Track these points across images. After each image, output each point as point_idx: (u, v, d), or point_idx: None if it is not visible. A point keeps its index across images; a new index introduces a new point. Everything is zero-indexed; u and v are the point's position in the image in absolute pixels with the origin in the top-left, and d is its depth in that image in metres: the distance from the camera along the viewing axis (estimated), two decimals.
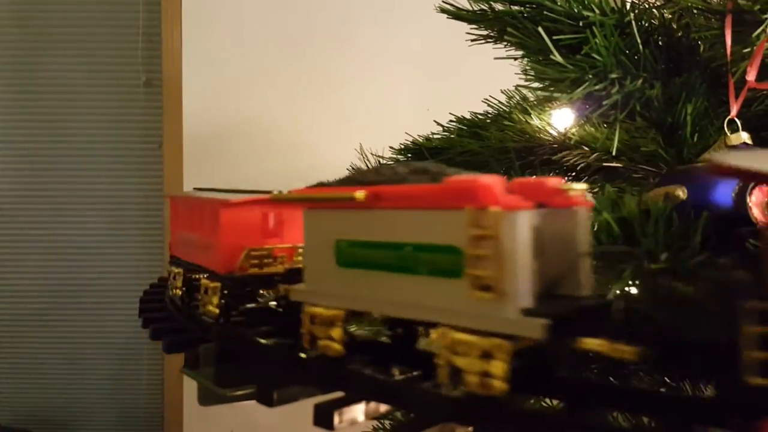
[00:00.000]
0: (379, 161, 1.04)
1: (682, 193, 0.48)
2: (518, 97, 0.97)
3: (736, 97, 0.53)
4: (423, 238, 0.38)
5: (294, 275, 0.52)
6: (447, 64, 1.87)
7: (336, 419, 0.40)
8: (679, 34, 0.58)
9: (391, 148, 1.01)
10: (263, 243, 0.56)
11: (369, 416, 0.42)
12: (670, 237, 0.38)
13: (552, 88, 0.55)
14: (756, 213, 0.46)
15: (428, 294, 0.38)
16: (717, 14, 0.55)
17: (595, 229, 0.40)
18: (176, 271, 0.65)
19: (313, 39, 1.96)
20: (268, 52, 1.96)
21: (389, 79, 1.95)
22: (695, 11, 0.57)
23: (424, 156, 0.95)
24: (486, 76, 1.06)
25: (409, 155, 0.98)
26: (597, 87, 0.54)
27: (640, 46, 0.56)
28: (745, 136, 0.53)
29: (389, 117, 1.81)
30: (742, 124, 0.58)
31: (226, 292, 0.54)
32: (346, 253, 0.43)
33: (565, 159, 0.80)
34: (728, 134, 0.53)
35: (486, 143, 0.91)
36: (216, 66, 1.94)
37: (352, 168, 0.99)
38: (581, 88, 0.54)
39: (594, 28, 0.54)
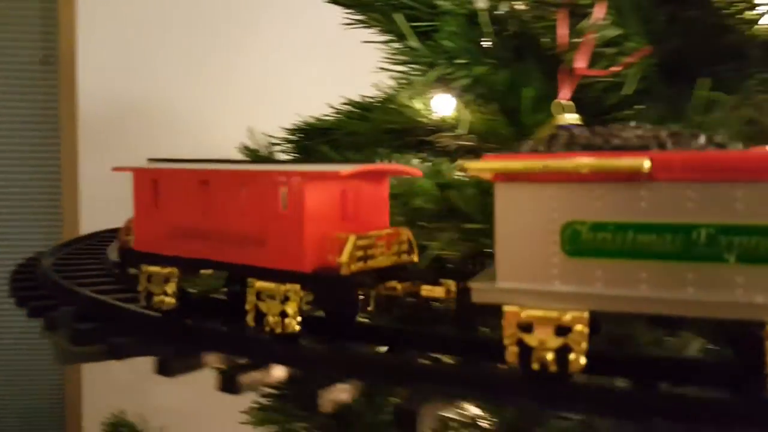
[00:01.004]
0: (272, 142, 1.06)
1: None
2: (405, 82, 1.02)
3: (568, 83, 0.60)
4: (734, 218, 0.30)
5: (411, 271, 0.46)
6: (342, 47, 1.90)
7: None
8: (524, 24, 0.64)
9: (282, 128, 1.04)
10: (342, 229, 0.44)
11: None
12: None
13: (409, 71, 0.61)
14: None
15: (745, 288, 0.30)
16: (554, 6, 0.61)
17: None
18: (165, 272, 0.51)
19: (212, 17, 1.95)
20: (166, 29, 1.93)
21: (287, 61, 1.96)
22: (536, 3, 0.63)
23: (313, 136, 0.99)
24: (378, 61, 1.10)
25: (301, 135, 1.02)
26: (448, 71, 0.60)
27: (490, 35, 0.62)
28: (571, 117, 0.59)
29: (286, 98, 1.83)
30: (578, 108, 0.65)
31: (320, 295, 0.45)
32: (584, 239, 0.34)
33: (438, 140, 0.86)
34: (557, 115, 0.59)
35: (371, 125, 0.95)
36: (113, 43, 1.90)
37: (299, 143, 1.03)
38: (433, 72, 0.59)
39: (445, 16, 0.60)
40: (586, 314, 0.34)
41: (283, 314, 0.43)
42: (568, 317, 0.34)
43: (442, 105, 0.90)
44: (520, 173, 0.35)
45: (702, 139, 0.34)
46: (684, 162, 0.31)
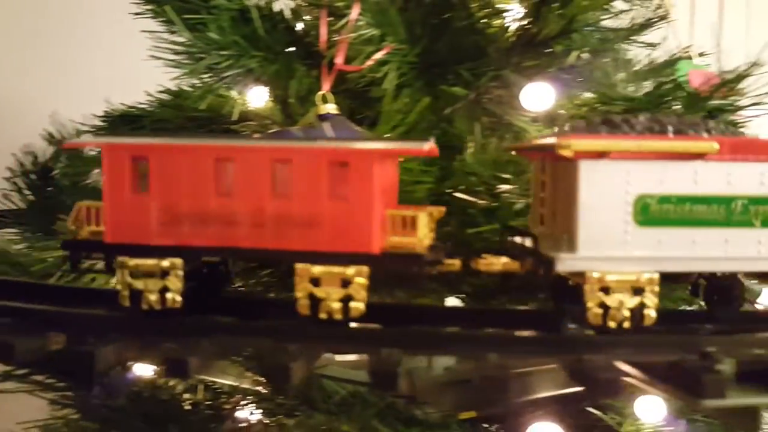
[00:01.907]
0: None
1: None
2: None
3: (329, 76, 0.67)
4: (760, 191, 0.39)
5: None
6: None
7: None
8: (293, 21, 0.70)
9: (94, 115, 1.03)
10: (383, 207, 0.42)
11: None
12: None
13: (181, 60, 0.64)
14: None
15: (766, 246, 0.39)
16: (317, 7, 0.67)
17: None
18: (164, 265, 0.43)
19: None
20: None
21: (100, 47, 1.89)
22: (303, 3, 0.69)
23: (121, 124, 1.00)
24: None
25: (107, 122, 1.02)
26: (217, 62, 0.64)
27: (261, 30, 0.67)
28: (331, 107, 0.66)
29: (95, 85, 1.76)
30: (351, 98, 0.72)
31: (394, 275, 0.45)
32: (652, 211, 0.39)
33: (242, 128, 0.90)
34: (319, 105, 0.66)
35: (177, 112, 0.97)
36: None
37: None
38: (203, 62, 0.63)
39: (214, 10, 0.64)
40: (657, 275, 0.40)
41: (346, 299, 0.41)
42: (644, 278, 0.39)
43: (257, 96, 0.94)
44: (605, 152, 0.39)
45: (711, 125, 0.42)
46: (731, 145, 0.39)
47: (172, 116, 0.97)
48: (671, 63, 0.77)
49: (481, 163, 0.61)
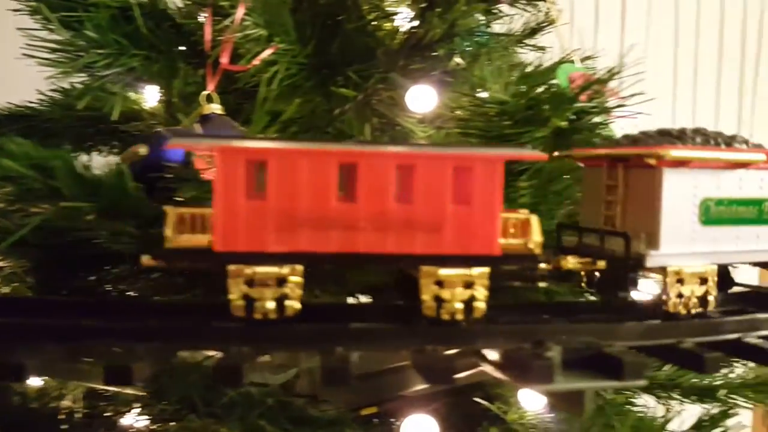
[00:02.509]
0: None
1: (143, 149, 0.59)
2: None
3: (213, 75, 0.66)
4: None
5: None
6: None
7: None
8: (178, 20, 0.70)
9: None
10: None
11: None
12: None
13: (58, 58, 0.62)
14: (199, 165, 0.59)
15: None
16: (202, 5, 0.67)
17: None
18: (284, 272, 0.41)
19: None
20: None
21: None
22: (189, 1, 0.69)
23: (9, 123, 0.95)
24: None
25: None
26: (95, 60, 0.63)
27: (143, 28, 0.66)
28: (215, 107, 0.66)
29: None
30: (242, 98, 0.72)
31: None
32: (712, 212, 0.47)
33: (133, 127, 0.88)
34: (203, 105, 0.66)
35: (70, 112, 0.94)
36: None
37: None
38: (80, 60, 0.62)
39: (92, 8, 0.62)
40: (715, 267, 0.47)
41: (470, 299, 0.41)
42: (708, 270, 0.47)
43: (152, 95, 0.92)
44: (686, 161, 0.45)
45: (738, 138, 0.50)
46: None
47: (61, 116, 0.94)
48: (554, 66, 0.80)
49: None
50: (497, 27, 0.99)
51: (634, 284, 0.65)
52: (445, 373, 0.37)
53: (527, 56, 1.02)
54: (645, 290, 0.81)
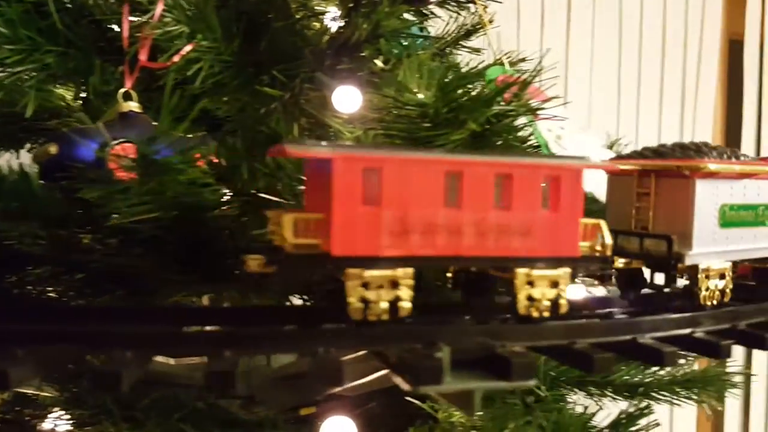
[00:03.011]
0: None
1: (53, 148, 0.58)
2: None
3: (132, 73, 0.65)
4: None
5: None
6: None
7: None
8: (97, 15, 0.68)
9: None
10: None
11: None
12: None
13: None
14: (113, 164, 0.57)
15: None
16: (120, 1, 0.66)
17: None
18: (398, 274, 0.42)
19: None
20: None
21: None
22: None
23: None
24: None
25: None
26: (7, 55, 0.61)
27: (59, 23, 0.64)
28: (133, 105, 0.65)
29: None
30: (149, 96, 0.71)
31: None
32: (727, 216, 0.54)
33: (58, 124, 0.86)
34: (120, 103, 0.64)
35: None
36: None
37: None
38: None
39: (3, 3, 0.60)
40: (730, 264, 0.55)
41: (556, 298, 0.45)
42: (726, 267, 0.54)
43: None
44: (715, 173, 0.53)
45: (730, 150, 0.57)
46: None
47: None
48: (479, 70, 0.81)
49: (290, 164, 0.62)
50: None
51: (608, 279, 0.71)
52: (336, 375, 0.37)
53: (463, 58, 1.03)
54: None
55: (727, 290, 0.55)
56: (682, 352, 0.50)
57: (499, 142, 0.64)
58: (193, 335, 0.43)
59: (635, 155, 0.58)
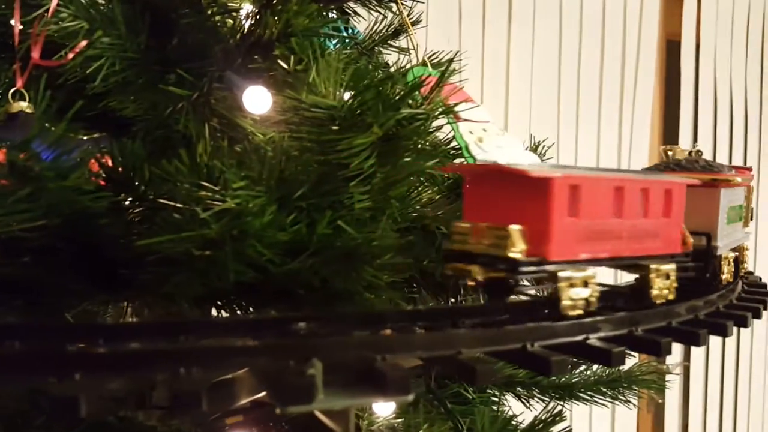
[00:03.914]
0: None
1: None
2: None
3: (23, 72, 0.61)
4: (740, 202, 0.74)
5: None
6: None
7: None
8: None
9: None
10: None
11: None
12: None
13: None
14: None
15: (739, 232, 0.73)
16: None
17: None
18: (589, 275, 0.50)
19: None
20: None
21: None
22: None
23: None
24: None
25: None
26: None
27: None
28: (24, 105, 0.61)
29: None
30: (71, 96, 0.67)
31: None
32: (728, 216, 0.67)
33: None
34: (11, 103, 0.60)
35: None
36: None
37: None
38: None
39: None
40: (733, 255, 0.70)
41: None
42: (731, 256, 0.69)
43: None
44: (732, 183, 0.67)
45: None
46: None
47: None
48: (406, 70, 0.80)
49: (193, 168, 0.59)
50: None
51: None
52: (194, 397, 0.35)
53: (390, 58, 1.02)
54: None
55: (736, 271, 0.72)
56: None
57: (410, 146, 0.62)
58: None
59: (663, 168, 0.72)
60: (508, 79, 2.04)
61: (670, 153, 0.74)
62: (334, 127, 0.59)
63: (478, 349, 0.42)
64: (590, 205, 0.51)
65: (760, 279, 0.82)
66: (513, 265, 0.46)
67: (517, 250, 0.46)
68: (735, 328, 0.61)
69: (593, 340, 0.48)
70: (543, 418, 0.86)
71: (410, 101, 0.61)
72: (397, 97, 0.58)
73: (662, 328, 0.55)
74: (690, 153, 0.72)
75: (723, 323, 0.59)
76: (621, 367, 0.97)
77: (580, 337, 0.47)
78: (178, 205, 0.58)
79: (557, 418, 0.86)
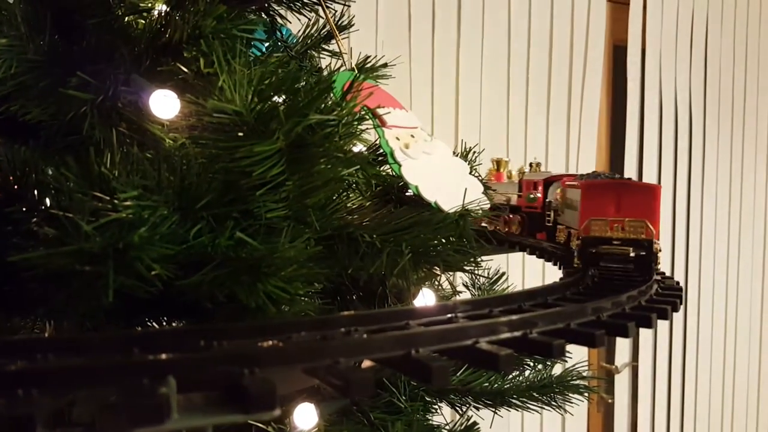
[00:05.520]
0: None
1: None
2: None
3: None
4: None
5: None
6: None
7: None
8: None
9: None
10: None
11: None
12: None
13: None
14: None
15: None
16: None
17: None
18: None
19: None
20: None
21: None
22: None
23: None
24: None
25: None
26: None
27: None
28: None
29: None
30: None
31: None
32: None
33: None
34: None
35: None
36: None
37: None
38: None
39: None
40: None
41: None
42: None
43: None
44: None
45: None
46: None
47: None
48: (329, 75, 0.78)
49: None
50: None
51: None
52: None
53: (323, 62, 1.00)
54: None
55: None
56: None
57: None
58: None
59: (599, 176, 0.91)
60: (457, 80, 2.04)
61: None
62: (240, 134, 0.57)
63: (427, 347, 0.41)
64: (604, 204, 0.78)
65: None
66: (650, 243, 0.74)
67: (650, 235, 0.74)
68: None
69: (534, 334, 0.48)
70: (457, 429, 0.86)
71: (322, 107, 0.59)
72: (304, 103, 0.56)
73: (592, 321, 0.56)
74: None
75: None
76: (552, 373, 0.97)
77: (518, 333, 0.47)
78: (69, 215, 0.55)
79: (472, 429, 0.85)
